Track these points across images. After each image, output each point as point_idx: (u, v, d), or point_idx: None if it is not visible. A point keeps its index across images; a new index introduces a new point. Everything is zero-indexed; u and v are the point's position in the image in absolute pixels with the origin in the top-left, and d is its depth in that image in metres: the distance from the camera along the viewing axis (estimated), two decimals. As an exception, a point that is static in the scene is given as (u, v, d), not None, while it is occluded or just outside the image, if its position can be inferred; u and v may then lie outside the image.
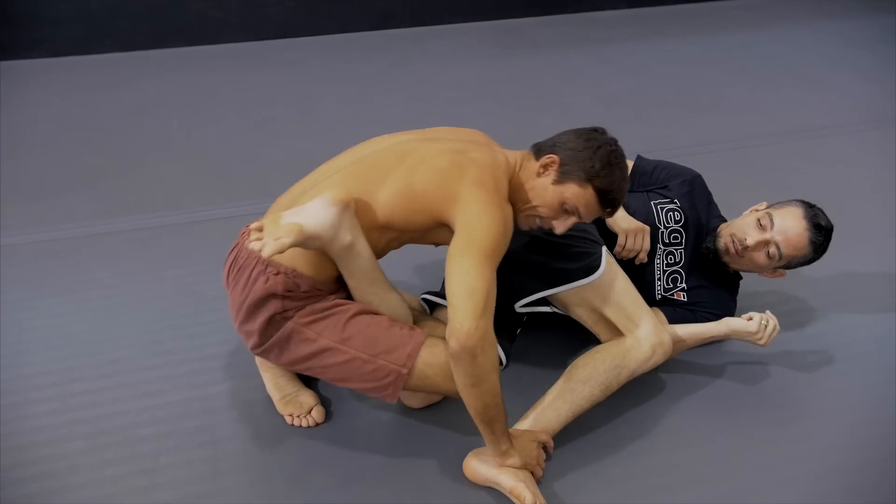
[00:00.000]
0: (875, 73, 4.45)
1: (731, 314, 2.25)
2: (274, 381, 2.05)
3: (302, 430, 1.98)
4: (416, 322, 1.97)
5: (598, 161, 1.78)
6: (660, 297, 2.22)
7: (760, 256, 2.14)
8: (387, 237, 1.84)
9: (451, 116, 3.86)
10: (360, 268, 1.80)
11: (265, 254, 1.63)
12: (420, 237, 1.86)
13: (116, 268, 2.62)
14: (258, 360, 2.09)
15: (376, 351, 1.77)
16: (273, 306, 1.78)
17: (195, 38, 4.74)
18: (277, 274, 1.78)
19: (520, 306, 2.10)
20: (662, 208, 2.26)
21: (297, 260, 1.79)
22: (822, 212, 2.17)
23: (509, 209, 1.78)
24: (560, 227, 1.85)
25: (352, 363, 1.78)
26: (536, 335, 2.28)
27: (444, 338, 1.84)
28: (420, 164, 1.79)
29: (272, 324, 1.80)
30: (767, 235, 2.13)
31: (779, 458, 1.94)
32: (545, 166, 1.82)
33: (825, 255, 2.19)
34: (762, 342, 2.03)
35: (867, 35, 5.12)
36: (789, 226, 2.13)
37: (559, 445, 1.92)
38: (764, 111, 3.96)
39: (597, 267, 2.00)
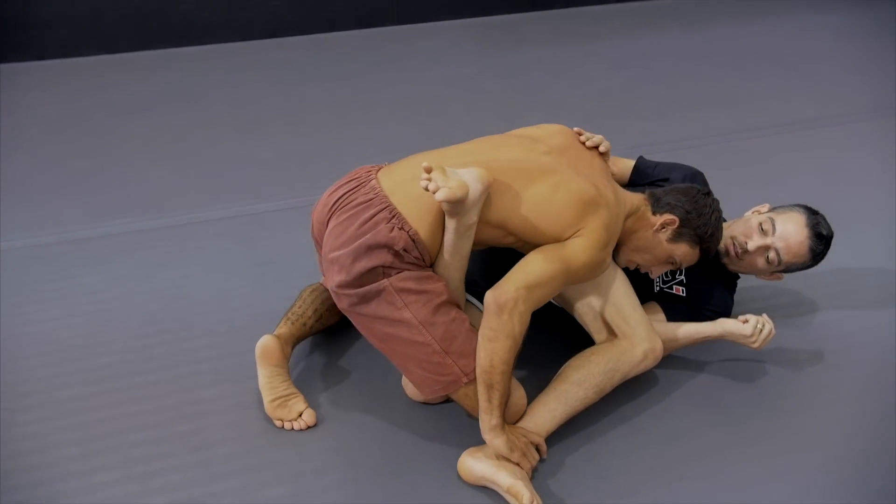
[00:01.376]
0: (862, 66, 4.45)
1: (729, 311, 2.24)
2: (269, 378, 2.03)
3: (294, 434, 1.97)
4: None
5: (710, 227, 1.98)
6: (658, 289, 2.22)
7: (760, 261, 2.15)
8: (497, 236, 1.88)
9: (441, 114, 3.85)
10: (461, 250, 1.83)
11: (439, 197, 1.67)
12: (523, 245, 1.90)
13: (105, 272, 2.60)
14: (258, 353, 2.04)
15: (451, 348, 1.80)
16: (384, 257, 1.78)
17: (181, 40, 4.71)
18: (402, 229, 1.79)
19: None
20: None
21: (422, 225, 1.80)
22: (825, 219, 2.17)
23: (610, 258, 1.94)
24: (657, 272, 2.04)
25: (421, 347, 1.80)
26: (533, 334, 2.27)
27: None
28: (564, 187, 1.86)
29: (372, 273, 1.80)
30: (768, 241, 2.13)
31: (773, 452, 1.93)
32: (664, 225, 1.96)
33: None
34: (756, 346, 2.03)
35: (854, 27, 5.13)
36: (791, 233, 2.12)
37: (552, 443, 1.91)
38: (753, 104, 3.96)
39: None
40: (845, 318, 2.40)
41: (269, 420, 2.00)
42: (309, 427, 1.98)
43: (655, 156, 2.51)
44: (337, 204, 1.89)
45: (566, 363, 1.95)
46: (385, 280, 1.79)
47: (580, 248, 1.82)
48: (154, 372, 2.17)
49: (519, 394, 1.89)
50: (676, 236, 1.96)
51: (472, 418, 1.90)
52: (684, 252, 1.98)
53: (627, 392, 2.07)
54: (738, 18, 5.31)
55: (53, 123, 3.70)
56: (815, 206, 2.22)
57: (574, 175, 1.89)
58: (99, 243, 2.75)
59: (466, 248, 1.84)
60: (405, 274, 1.80)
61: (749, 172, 3.26)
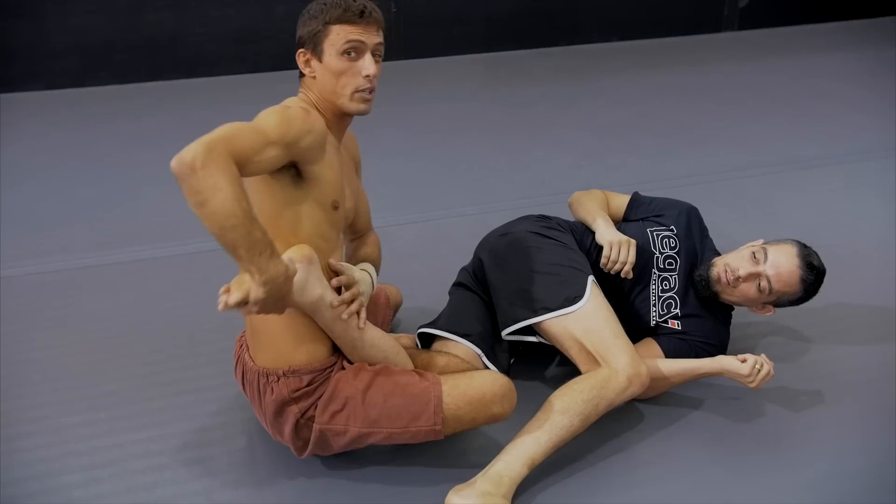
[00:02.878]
0: (862, 105, 4.51)
1: (726, 344, 2.27)
2: None
3: (298, 463, 1.97)
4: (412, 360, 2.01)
5: (316, 15, 1.75)
6: (654, 323, 2.24)
7: (751, 289, 2.17)
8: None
9: (444, 148, 3.90)
10: (333, 316, 1.80)
11: (230, 301, 1.52)
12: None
13: (112, 300, 2.63)
14: None
15: (405, 422, 1.80)
16: (291, 413, 1.81)
17: (192, 71, 4.79)
18: (278, 380, 1.81)
19: (506, 334, 2.12)
20: (658, 234, 2.30)
21: (289, 356, 1.80)
22: (817, 255, 2.20)
23: (297, 110, 1.71)
24: (370, 68, 1.76)
25: (389, 437, 1.83)
26: (526, 365, 2.29)
27: (454, 371, 1.93)
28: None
29: (299, 429, 1.84)
30: (760, 268, 2.16)
31: (771, 489, 1.94)
32: (305, 63, 1.79)
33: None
34: (753, 385, 2.04)
35: (854, 68, 5.20)
36: (782, 262, 2.16)
37: (546, 476, 1.92)
38: (754, 142, 4.01)
39: (581, 296, 2.03)
40: (841, 355, 2.42)
41: (273, 448, 2.01)
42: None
43: (657, 192, 2.55)
44: (243, 388, 1.94)
45: (552, 394, 1.96)
46: (314, 424, 1.82)
47: (263, 114, 1.67)
48: (159, 399, 2.19)
49: (492, 379, 1.87)
50: (317, 53, 1.77)
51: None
52: (335, 46, 1.75)
53: (622, 424, 2.09)
54: (740, 57, 5.39)
55: (63, 152, 3.76)
56: (815, 244, 2.25)
57: None
58: (106, 271, 2.79)
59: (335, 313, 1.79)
60: (320, 403, 1.81)
61: (750, 210, 3.30)
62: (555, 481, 1.92)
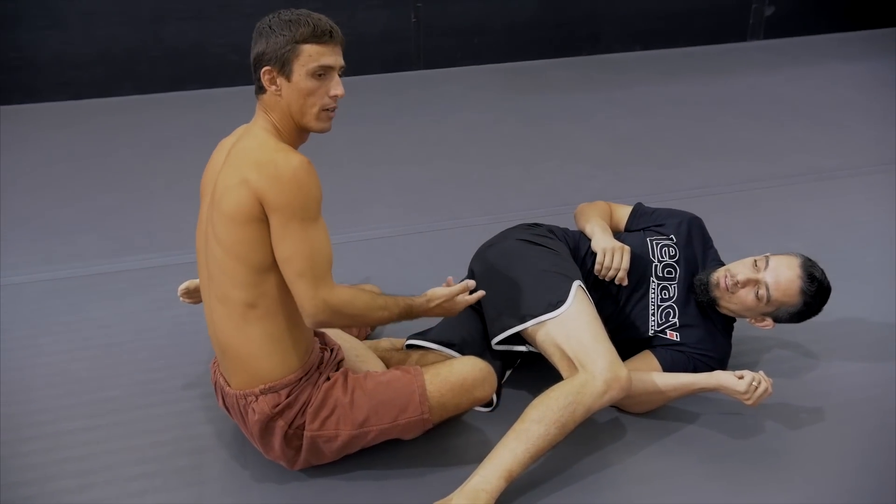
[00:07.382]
0: (886, 116, 4.42)
1: (726, 357, 2.23)
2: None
3: (288, 473, 1.97)
4: (389, 360, 2.16)
5: (283, 32, 1.70)
6: (653, 332, 2.21)
7: (749, 295, 2.13)
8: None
9: (457, 158, 3.89)
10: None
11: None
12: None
13: (118, 307, 2.66)
14: None
15: (393, 417, 1.85)
16: (278, 427, 1.84)
17: (213, 81, 4.84)
18: (256, 399, 1.83)
19: (495, 344, 2.11)
20: (657, 243, 2.27)
21: (261, 373, 1.82)
22: (823, 271, 2.15)
23: (299, 157, 1.70)
24: (338, 89, 1.77)
25: (380, 434, 1.88)
26: (521, 374, 2.28)
27: (432, 363, 2.03)
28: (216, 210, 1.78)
29: (289, 440, 1.86)
30: (759, 275, 2.12)
31: (768, 507, 1.91)
32: (271, 82, 1.74)
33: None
34: (750, 402, 2.00)
35: (879, 78, 5.09)
36: (782, 271, 2.12)
37: (535, 491, 1.90)
38: (772, 153, 3.94)
39: (563, 301, 2.01)
40: (846, 371, 2.36)
41: (264, 458, 2.02)
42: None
43: (669, 204, 2.53)
44: (228, 413, 1.97)
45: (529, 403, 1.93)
46: (305, 432, 1.84)
47: (288, 191, 1.66)
48: (157, 406, 2.21)
49: (471, 364, 1.95)
50: (285, 71, 1.71)
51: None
52: (307, 66, 1.72)
53: (620, 439, 2.06)
54: (761, 67, 5.32)
55: (84, 161, 3.82)
56: (828, 257, 2.20)
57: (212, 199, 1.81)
58: (115, 278, 2.83)
59: None
60: (309, 413, 1.84)
61: (763, 222, 3.24)
62: (543, 495, 1.90)
